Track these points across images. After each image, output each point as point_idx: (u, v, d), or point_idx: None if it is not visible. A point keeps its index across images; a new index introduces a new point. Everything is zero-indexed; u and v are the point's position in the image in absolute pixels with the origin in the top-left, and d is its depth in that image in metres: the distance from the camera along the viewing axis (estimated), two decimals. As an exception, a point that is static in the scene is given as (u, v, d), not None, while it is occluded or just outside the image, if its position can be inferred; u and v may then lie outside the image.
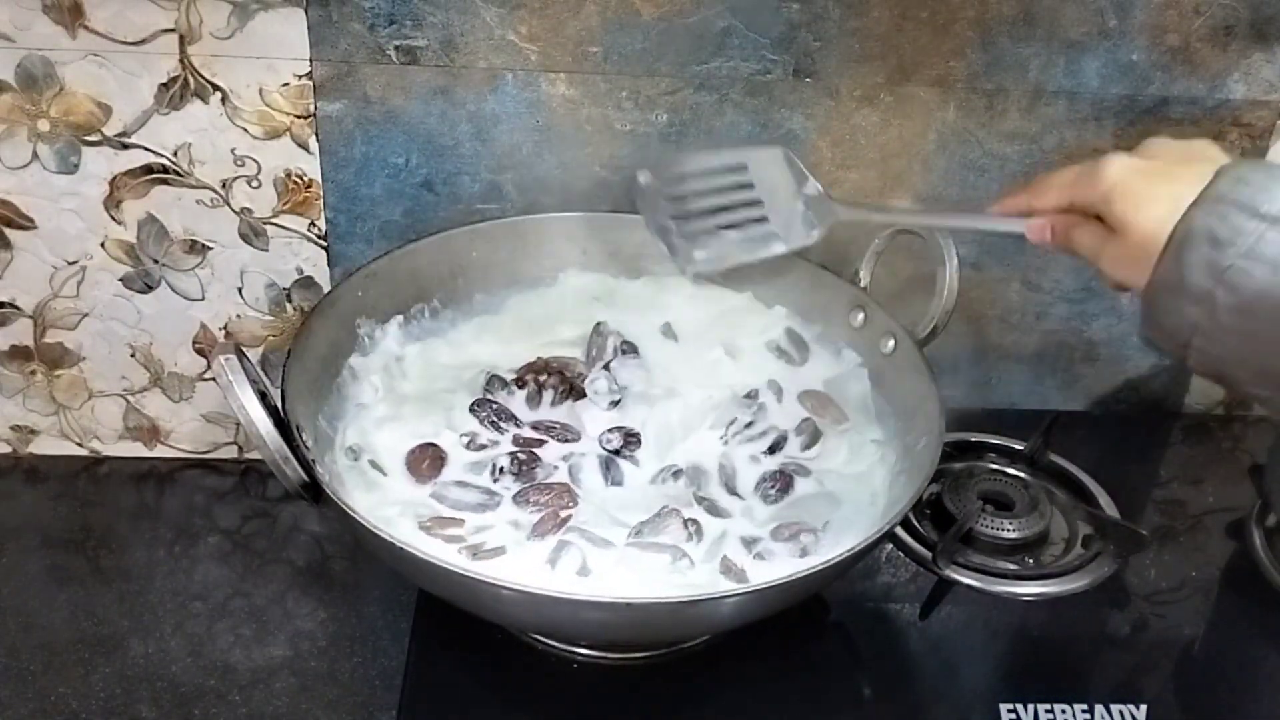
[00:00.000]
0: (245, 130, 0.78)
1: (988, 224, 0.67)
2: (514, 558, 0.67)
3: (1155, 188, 0.54)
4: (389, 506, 0.70)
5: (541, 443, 0.76)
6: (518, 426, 0.77)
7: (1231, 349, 0.51)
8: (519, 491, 0.72)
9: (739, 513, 0.72)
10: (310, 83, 0.77)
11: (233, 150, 0.79)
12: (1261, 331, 0.49)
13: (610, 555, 0.68)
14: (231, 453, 0.91)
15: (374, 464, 0.73)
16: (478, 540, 0.68)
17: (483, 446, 0.75)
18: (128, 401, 0.88)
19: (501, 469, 0.73)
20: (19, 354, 0.86)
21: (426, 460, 0.73)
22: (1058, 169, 0.61)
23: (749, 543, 0.70)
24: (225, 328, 0.86)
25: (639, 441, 0.76)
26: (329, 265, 0.84)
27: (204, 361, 0.87)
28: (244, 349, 0.67)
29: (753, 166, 0.73)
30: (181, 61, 0.75)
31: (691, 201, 0.74)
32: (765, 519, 0.72)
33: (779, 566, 0.68)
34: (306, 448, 0.65)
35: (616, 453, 0.75)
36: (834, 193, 0.72)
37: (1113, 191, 0.55)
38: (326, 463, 0.71)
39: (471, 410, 0.77)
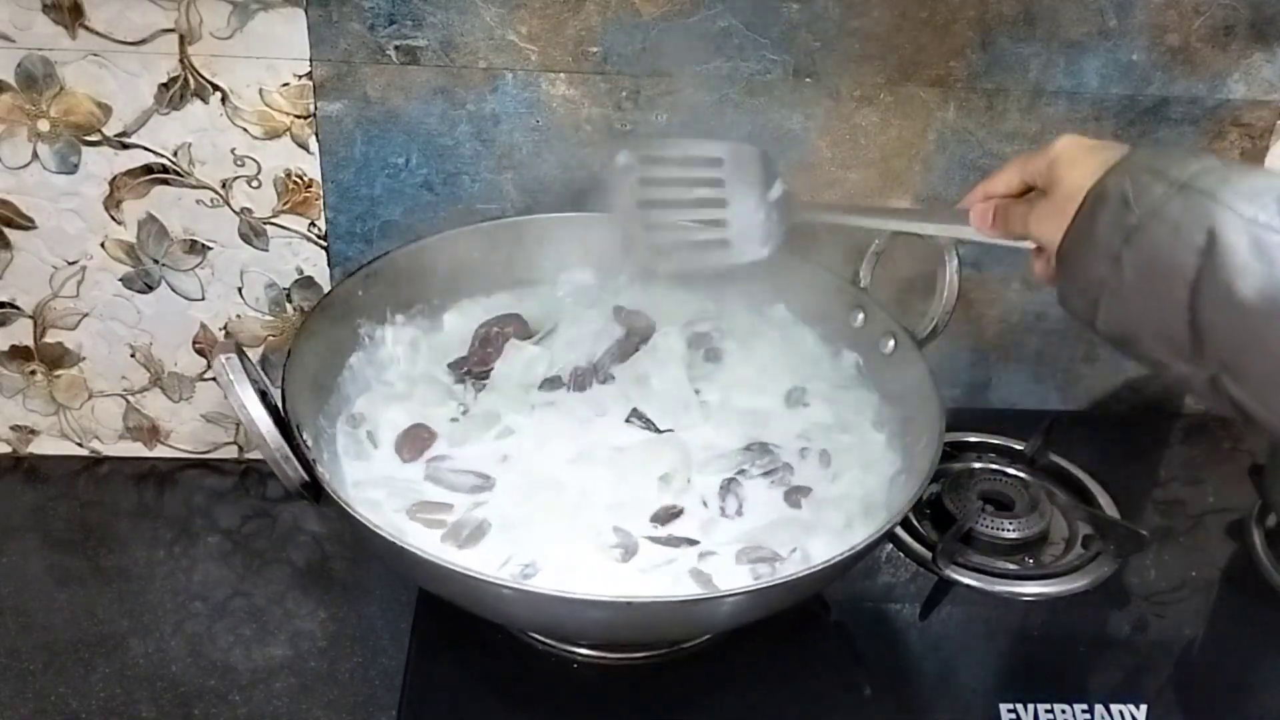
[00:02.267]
0: (245, 130, 0.78)
1: (939, 224, 0.67)
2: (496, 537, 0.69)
3: (1091, 154, 0.56)
4: (375, 488, 0.71)
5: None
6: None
7: (1135, 309, 0.53)
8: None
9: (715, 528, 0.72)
10: (310, 83, 0.77)
11: (233, 150, 0.79)
12: (1160, 292, 0.51)
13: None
14: (231, 453, 0.91)
15: (370, 435, 0.75)
16: (459, 519, 0.70)
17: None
18: (128, 401, 0.88)
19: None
20: (19, 354, 0.86)
21: (408, 444, 0.75)
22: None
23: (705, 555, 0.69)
24: (225, 328, 0.86)
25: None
26: (329, 265, 0.84)
27: (204, 361, 0.87)
28: (244, 349, 0.67)
29: (728, 163, 0.72)
30: (181, 61, 0.75)
31: (660, 190, 0.72)
32: (732, 538, 0.71)
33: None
34: (306, 447, 0.65)
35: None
36: (801, 195, 0.71)
37: (1056, 158, 0.57)
38: (324, 427, 0.73)
39: (451, 369, 0.80)
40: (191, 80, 0.76)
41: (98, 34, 0.74)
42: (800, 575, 0.61)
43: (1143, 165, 0.53)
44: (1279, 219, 0.49)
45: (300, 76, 0.77)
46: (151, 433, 0.90)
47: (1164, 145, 0.54)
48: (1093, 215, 0.54)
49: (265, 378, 0.69)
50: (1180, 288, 0.50)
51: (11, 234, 0.80)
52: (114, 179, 0.79)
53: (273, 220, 0.82)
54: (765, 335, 0.85)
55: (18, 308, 0.84)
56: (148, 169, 0.79)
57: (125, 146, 0.78)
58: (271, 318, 0.86)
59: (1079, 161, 0.56)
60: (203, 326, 0.86)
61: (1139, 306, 0.53)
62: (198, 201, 0.80)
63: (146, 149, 0.78)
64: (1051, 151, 0.58)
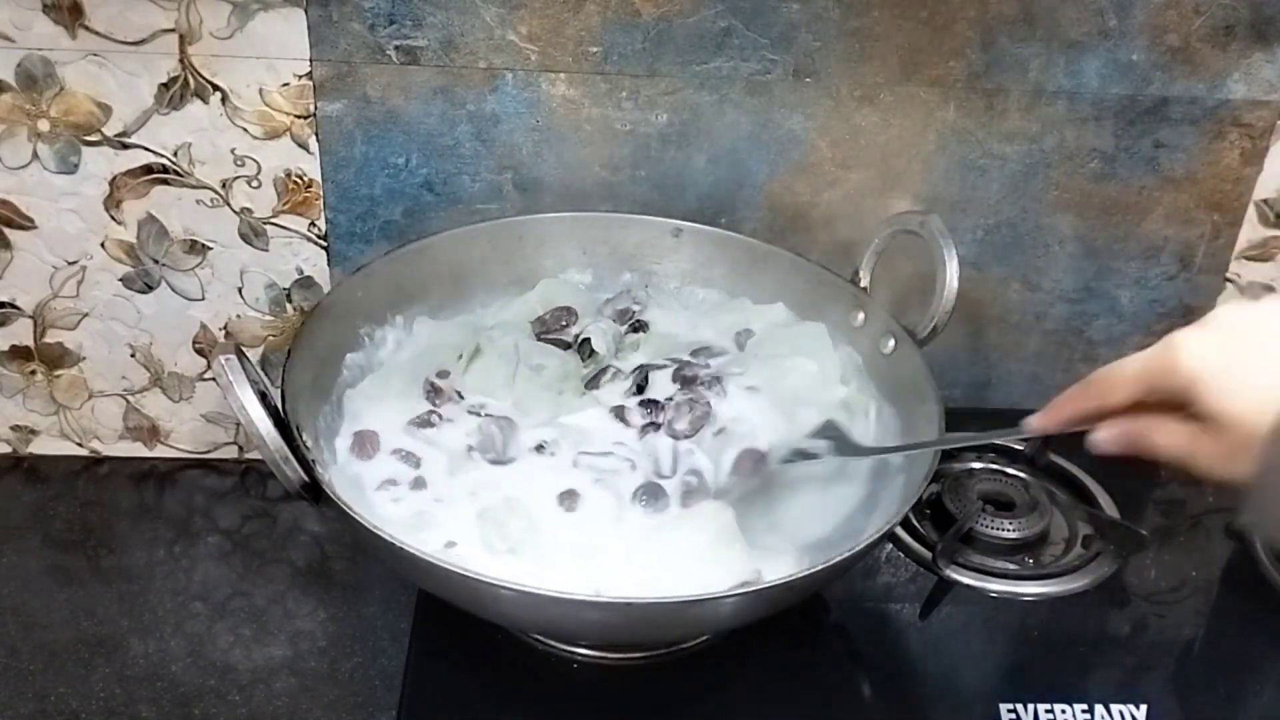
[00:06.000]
0: (245, 130, 0.78)
1: (1032, 433, 0.63)
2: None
3: (1246, 375, 0.50)
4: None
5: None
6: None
7: None
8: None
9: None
10: (310, 83, 0.77)
11: (233, 150, 0.79)
12: None
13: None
14: (231, 453, 0.91)
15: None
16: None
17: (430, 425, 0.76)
18: (128, 401, 0.88)
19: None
20: (19, 354, 0.86)
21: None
22: (1114, 364, 0.56)
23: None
24: (225, 328, 0.86)
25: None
26: (329, 265, 0.84)
27: (204, 361, 0.87)
28: (244, 349, 0.67)
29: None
30: (181, 61, 0.75)
31: None
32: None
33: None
34: (306, 448, 0.65)
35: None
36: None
37: (1197, 383, 0.50)
38: (324, 428, 0.72)
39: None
40: (191, 80, 0.76)
41: (98, 34, 0.74)
42: (800, 575, 0.61)
43: None
44: None
45: (300, 76, 0.77)
46: (151, 433, 0.90)
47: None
48: None
49: (265, 378, 0.69)
50: None
51: (11, 234, 0.80)
52: (114, 179, 0.79)
53: (273, 220, 0.82)
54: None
55: (18, 308, 0.84)
56: (148, 169, 0.79)
57: (125, 146, 0.78)
58: (271, 318, 0.86)
59: (1234, 388, 0.49)
60: (203, 326, 0.86)
61: None
62: (198, 201, 0.80)
63: (146, 149, 0.78)
64: (1182, 368, 0.51)
